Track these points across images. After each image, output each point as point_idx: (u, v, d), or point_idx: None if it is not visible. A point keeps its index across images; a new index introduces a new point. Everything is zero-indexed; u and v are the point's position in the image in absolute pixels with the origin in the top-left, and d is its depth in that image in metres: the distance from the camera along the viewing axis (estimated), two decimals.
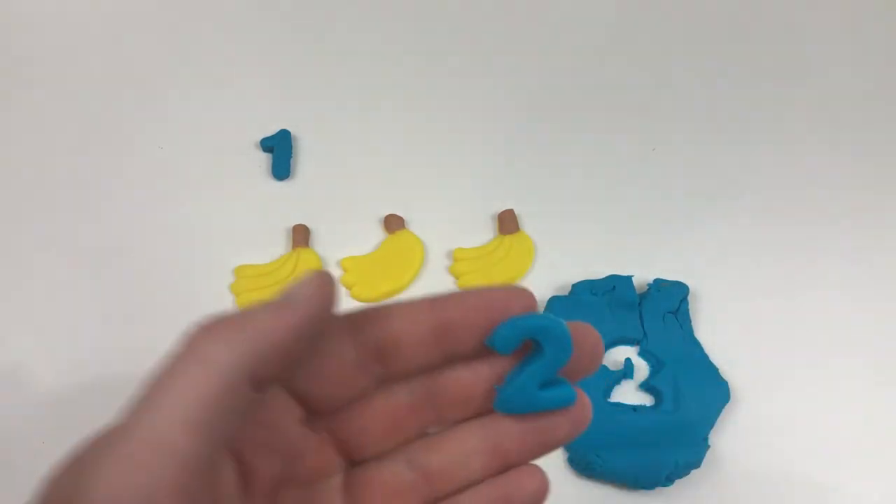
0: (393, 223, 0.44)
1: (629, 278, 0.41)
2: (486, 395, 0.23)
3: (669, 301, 0.41)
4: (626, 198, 0.46)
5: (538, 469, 0.23)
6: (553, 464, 0.37)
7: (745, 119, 0.48)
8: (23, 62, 0.52)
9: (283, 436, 0.22)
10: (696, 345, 0.40)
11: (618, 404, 0.38)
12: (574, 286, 0.41)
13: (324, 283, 0.20)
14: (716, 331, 0.41)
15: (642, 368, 0.40)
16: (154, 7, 0.54)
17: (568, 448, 0.37)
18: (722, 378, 0.39)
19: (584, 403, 0.23)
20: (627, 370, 0.39)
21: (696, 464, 0.36)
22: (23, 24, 0.53)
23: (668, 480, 0.36)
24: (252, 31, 0.53)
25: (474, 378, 0.23)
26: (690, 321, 0.41)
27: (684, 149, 0.47)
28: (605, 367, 0.40)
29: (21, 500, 0.19)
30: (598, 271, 0.42)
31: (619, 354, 0.40)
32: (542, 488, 0.23)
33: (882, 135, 0.47)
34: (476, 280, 0.43)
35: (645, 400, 0.39)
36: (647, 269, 0.42)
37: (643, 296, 0.41)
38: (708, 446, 0.37)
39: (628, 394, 0.39)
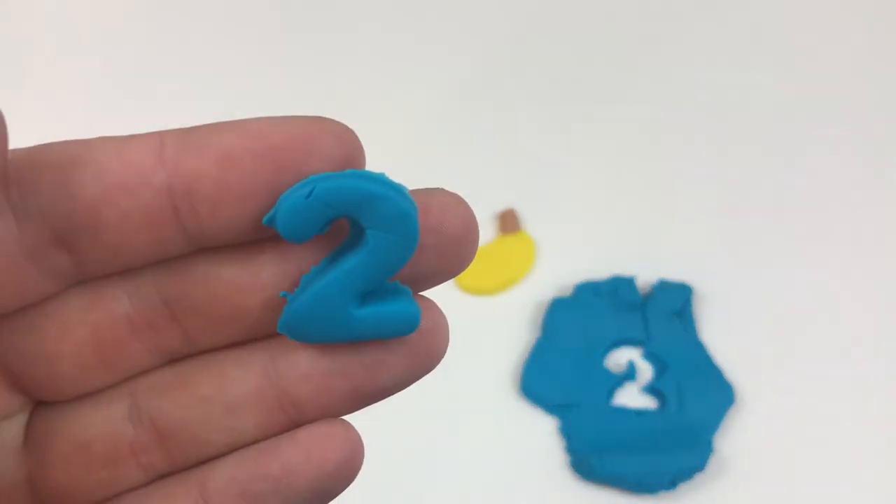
0: None
1: (632, 279, 0.41)
2: (268, 306, 0.14)
3: (673, 302, 0.40)
4: (629, 198, 0.45)
5: (344, 427, 0.14)
6: (554, 467, 0.37)
7: (751, 118, 0.48)
8: None
9: None
10: (701, 347, 0.39)
11: (621, 407, 0.38)
12: (576, 287, 0.41)
13: None
14: (720, 332, 0.40)
15: (646, 371, 0.39)
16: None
17: (570, 451, 0.37)
18: (727, 380, 0.38)
19: (435, 325, 0.15)
20: (630, 372, 0.39)
21: (701, 468, 0.36)
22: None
23: (671, 484, 0.36)
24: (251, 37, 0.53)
25: (247, 278, 0.14)
26: (694, 323, 0.40)
27: (690, 149, 0.47)
28: (607, 369, 0.39)
29: None
30: (601, 272, 0.41)
31: (622, 356, 0.40)
32: (345, 461, 0.14)
33: (891, 134, 0.47)
34: (476, 281, 0.42)
35: (648, 403, 0.39)
36: (650, 270, 0.42)
37: (647, 297, 0.41)
38: (712, 450, 0.36)
39: (631, 396, 0.39)
